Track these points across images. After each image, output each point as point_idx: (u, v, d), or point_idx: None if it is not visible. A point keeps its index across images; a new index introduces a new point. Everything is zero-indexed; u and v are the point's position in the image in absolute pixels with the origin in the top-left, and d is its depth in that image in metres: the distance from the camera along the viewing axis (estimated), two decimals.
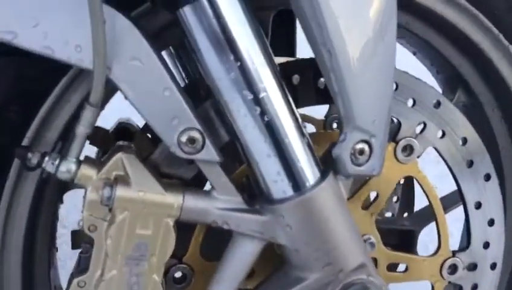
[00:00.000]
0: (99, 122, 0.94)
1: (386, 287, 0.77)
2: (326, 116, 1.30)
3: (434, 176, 1.07)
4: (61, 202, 0.90)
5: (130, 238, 0.69)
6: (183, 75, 1.18)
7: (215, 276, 0.76)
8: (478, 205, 0.98)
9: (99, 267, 0.70)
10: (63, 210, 0.97)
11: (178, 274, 0.82)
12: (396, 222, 1.23)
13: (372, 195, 0.96)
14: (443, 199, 1.06)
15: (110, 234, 0.68)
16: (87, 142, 0.90)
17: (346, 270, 0.74)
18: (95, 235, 0.71)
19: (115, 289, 0.69)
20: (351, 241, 0.75)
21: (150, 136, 1.00)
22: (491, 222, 0.99)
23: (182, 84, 1.18)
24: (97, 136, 0.98)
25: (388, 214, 1.37)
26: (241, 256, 0.75)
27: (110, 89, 0.82)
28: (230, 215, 0.73)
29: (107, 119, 0.99)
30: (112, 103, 0.89)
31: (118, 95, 0.81)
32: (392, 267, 0.98)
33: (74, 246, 1.03)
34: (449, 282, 0.99)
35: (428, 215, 1.16)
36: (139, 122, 0.98)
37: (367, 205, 0.94)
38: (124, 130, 1.04)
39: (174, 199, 0.71)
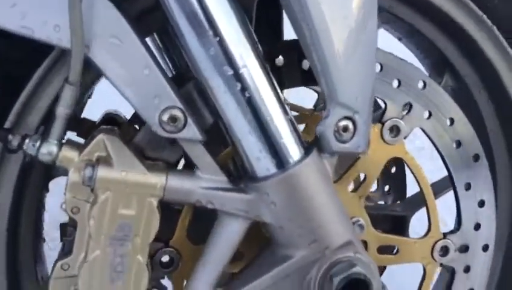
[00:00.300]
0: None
1: (374, 264, 0.77)
2: (315, 106, 1.30)
3: (429, 171, 1.06)
4: (47, 190, 0.89)
5: (113, 218, 0.68)
6: (170, 67, 1.18)
7: (201, 258, 0.75)
8: (468, 186, 0.98)
9: (83, 250, 0.70)
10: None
11: (165, 258, 0.81)
12: (388, 208, 1.23)
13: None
14: (434, 185, 1.05)
15: (92, 214, 0.68)
16: (75, 134, 0.91)
17: (332, 247, 0.74)
18: (78, 217, 0.70)
19: (98, 269, 0.69)
20: (337, 218, 0.75)
21: (137, 127, 1.00)
22: (481, 203, 0.99)
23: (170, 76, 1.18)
24: (84, 127, 0.98)
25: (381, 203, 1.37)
26: (227, 236, 0.74)
27: (96, 75, 0.82)
28: (214, 195, 0.73)
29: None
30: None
31: (107, 91, 0.81)
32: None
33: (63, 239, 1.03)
34: (441, 264, 0.98)
35: (419, 200, 1.16)
36: (127, 114, 0.99)
37: (355, 188, 0.94)
38: (110, 121, 1.03)
39: (157, 179, 0.71)
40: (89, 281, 0.69)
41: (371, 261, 0.77)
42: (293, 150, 0.72)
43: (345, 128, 0.74)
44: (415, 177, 0.96)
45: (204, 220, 0.87)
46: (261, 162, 0.71)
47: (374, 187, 1.37)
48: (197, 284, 0.74)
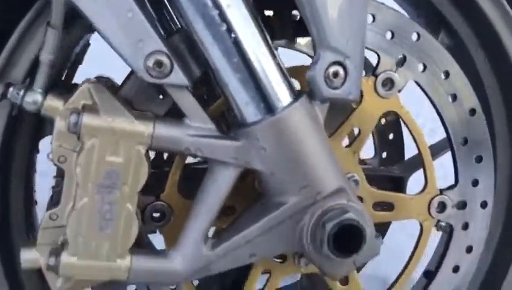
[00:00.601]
0: None
1: (366, 213, 0.75)
2: None
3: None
4: (37, 151, 0.88)
5: (100, 165, 0.67)
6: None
7: (193, 207, 0.74)
8: (464, 141, 0.96)
9: (71, 199, 0.69)
10: None
11: (156, 214, 0.80)
12: (386, 170, 1.22)
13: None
14: (431, 147, 1.04)
15: (79, 161, 0.67)
16: None
17: (323, 193, 0.73)
18: (65, 167, 0.69)
19: (86, 217, 0.68)
20: (328, 164, 0.73)
21: None
22: (478, 159, 0.97)
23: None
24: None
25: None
26: (218, 185, 0.73)
27: (81, 28, 0.81)
28: (203, 142, 0.71)
29: None
30: None
31: None
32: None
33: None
34: (438, 221, 0.97)
35: (417, 162, 1.15)
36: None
37: (349, 142, 0.93)
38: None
39: (144, 127, 0.69)
40: (77, 229, 0.68)
41: (364, 209, 0.76)
42: (282, 94, 0.71)
43: (336, 74, 0.73)
44: (410, 131, 0.94)
45: (195, 173, 0.86)
46: (249, 107, 0.70)
47: (371, 154, 1.36)
48: (189, 233, 0.73)
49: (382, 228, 1.27)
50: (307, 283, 1.13)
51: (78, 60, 0.94)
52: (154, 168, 0.77)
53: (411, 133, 0.94)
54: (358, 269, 1.08)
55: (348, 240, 0.75)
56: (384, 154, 1.37)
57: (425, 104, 0.97)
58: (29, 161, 0.86)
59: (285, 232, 0.74)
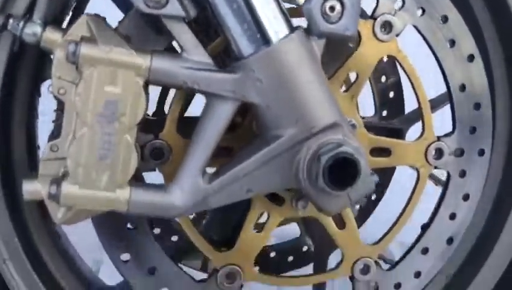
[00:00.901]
0: None
1: (362, 148, 0.76)
2: None
3: None
4: (39, 94, 0.89)
5: (99, 95, 0.68)
6: None
7: (191, 143, 0.75)
8: (462, 88, 0.97)
9: (71, 130, 0.70)
10: None
11: (155, 150, 0.82)
12: (385, 123, 1.22)
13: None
14: (431, 101, 1.04)
15: (78, 91, 0.68)
16: None
17: (319, 126, 0.73)
18: (65, 98, 0.70)
19: (86, 146, 0.69)
20: (323, 98, 0.74)
21: None
22: (476, 106, 0.98)
23: None
24: None
25: None
26: (215, 119, 0.74)
27: None
28: (200, 75, 0.72)
29: None
30: None
31: None
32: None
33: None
34: (435, 167, 0.98)
35: (416, 116, 1.15)
36: None
37: (347, 88, 0.94)
38: None
39: (142, 60, 0.70)
40: (78, 159, 0.69)
41: (360, 145, 0.76)
42: (278, 26, 0.72)
43: (332, 8, 0.73)
44: (407, 75, 0.94)
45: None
46: (245, 38, 0.71)
47: (372, 112, 1.37)
48: (187, 167, 0.74)
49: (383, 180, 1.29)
50: (306, 231, 1.15)
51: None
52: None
53: (408, 78, 0.95)
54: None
55: (343, 174, 0.76)
56: (384, 113, 1.38)
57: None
58: (31, 104, 0.87)
59: (281, 167, 0.76)
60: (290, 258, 1.34)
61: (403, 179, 1.22)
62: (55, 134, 0.74)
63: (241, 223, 0.93)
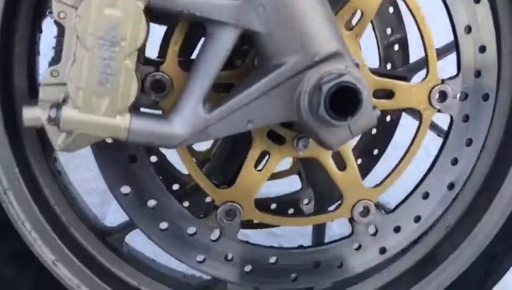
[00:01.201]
0: None
1: (364, 79, 0.75)
2: None
3: None
4: (40, 30, 0.89)
5: (99, 18, 0.68)
6: None
7: (192, 71, 0.75)
8: (468, 29, 0.95)
9: (72, 55, 0.70)
10: None
11: (156, 83, 0.81)
12: (389, 70, 1.22)
13: None
14: (438, 49, 1.03)
15: (78, 12, 0.67)
16: None
17: (321, 54, 0.73)
18: (65, 22, 0.70)
19: (86, 70, 0.69)
20: (326, 26, 0.74)
21: None
22: (482, 49, 0.96)
23: None
24: None
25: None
26: (216, 47, 0.73)
27: None
28: (201, 1, 0.71)
29: None
30: None
31: None
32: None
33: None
34: (438, 110, 0.97)
35: (420, 64, 1.14)
36: None
37: (351, 27, 0.92)
38: None
39: None
40: (78, 82, 0.69)
41: (362, 76, 0.76)
42: None
43: None
44: (413, 16, 0.93)
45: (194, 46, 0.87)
46: None
47: (376, 65, 1.35)
48: (188, 96, 0.74)
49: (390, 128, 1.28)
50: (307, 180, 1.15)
51: None
52: None
53: (414, 19, 0.93)
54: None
55: (345, 106, 0.76)
56: (388, 66, 1.37)
57: None
58: (31, 37, 0.86)
59: (282, 97, 0.75)
60: (291, 211, 1.35)
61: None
62: (55, 60, 0.73)
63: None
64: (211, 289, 0.98)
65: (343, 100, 0.75)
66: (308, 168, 1.09)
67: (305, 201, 1.35)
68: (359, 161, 1.33)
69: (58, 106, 0.69)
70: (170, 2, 0.71)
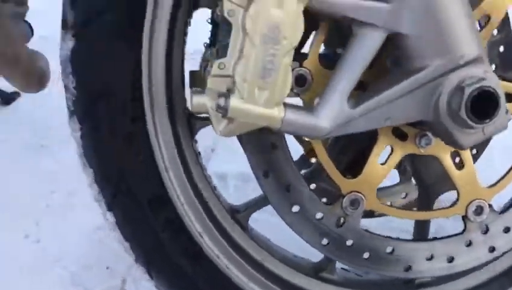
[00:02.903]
0: None
1: (500, 85, 0.79)
2: None
3: None
4: (189, 23, 0.97)
5: (266, 17, 0.75)
6: None
7: (338, 68, 0.81)
8: None
9: (237, 51, 0.78)
10: None
11: (299, 77, 0.88)
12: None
13: None
14: None
15: (250, 13, 0.75)
16: None
17: (466, 58, 0.78)
18: (233, 20, 0.78)
19: (252, 64, 0.76)
20: (470, 30, 0.78)
21: None
22: None
23: None
24: None
25: None
26: (363, 48, 0.79)
27: None
28: (352, 3, 0.77)
29: None
30: None
31: None
32: None
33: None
34: None
35: None
36: None
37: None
38: None
39: None
40: (244, 76, 0.77)
41: (499, 82, 0.80)
42: None
43: None
44: None
45: (334, 47, 0.94)
46: None
47: None
48: (334, 90, 0.81)
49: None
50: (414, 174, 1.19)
51: None
52: None
53: None
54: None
55: (480, 109, 0.80)
56: (492, 67, 1.38)
57: None
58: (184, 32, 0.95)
59: (421, 97, 0.81)
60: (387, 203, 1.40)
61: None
62: (220, 54, 0.81)
63: (357, 155, 1.00)
64: (321, 269, 1.05)
65: (480, 103, 0.79)
66: (418, 165, 1.14)
67: (403, 195, 1.39)
68: (457, 159, 1.37)
69: (225, 95, 0.78)
70: (329, 5, 0.78)
